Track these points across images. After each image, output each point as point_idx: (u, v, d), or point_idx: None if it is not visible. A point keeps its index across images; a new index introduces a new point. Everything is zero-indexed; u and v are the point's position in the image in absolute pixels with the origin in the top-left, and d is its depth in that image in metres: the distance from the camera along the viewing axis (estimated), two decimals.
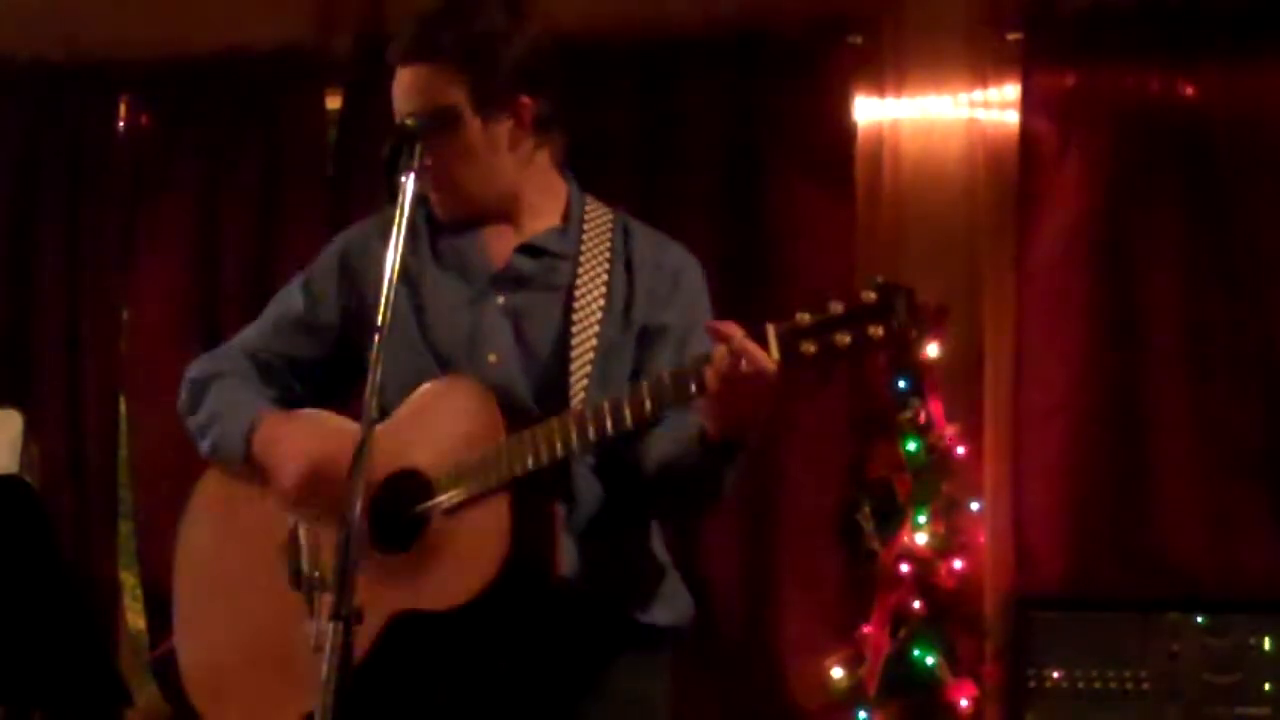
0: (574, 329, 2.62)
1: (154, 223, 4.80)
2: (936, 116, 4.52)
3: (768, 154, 4.53)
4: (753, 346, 2.30)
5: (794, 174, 4.51)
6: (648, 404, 2.42)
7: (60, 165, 4.82)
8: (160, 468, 4.67)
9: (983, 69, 4.49)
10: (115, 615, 4.78)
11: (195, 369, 2.81)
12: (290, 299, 2.79)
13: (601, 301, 2.64)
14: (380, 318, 2.28)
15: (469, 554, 2.49)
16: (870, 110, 4.54)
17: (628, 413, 2.43)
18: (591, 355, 2.61)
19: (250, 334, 2.82)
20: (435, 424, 2.57)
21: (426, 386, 2.60)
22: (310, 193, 4.70)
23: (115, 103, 4.85)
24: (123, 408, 4.81)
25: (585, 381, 2.60)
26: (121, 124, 4.86)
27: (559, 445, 2.46)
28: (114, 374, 4.81)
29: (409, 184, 2.35)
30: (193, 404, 2.78)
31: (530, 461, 2.47)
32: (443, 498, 2.52)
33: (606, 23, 4.49)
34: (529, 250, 2.67)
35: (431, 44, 2.60)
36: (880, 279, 2.32)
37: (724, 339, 2.32)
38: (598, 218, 2.74)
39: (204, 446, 2.76)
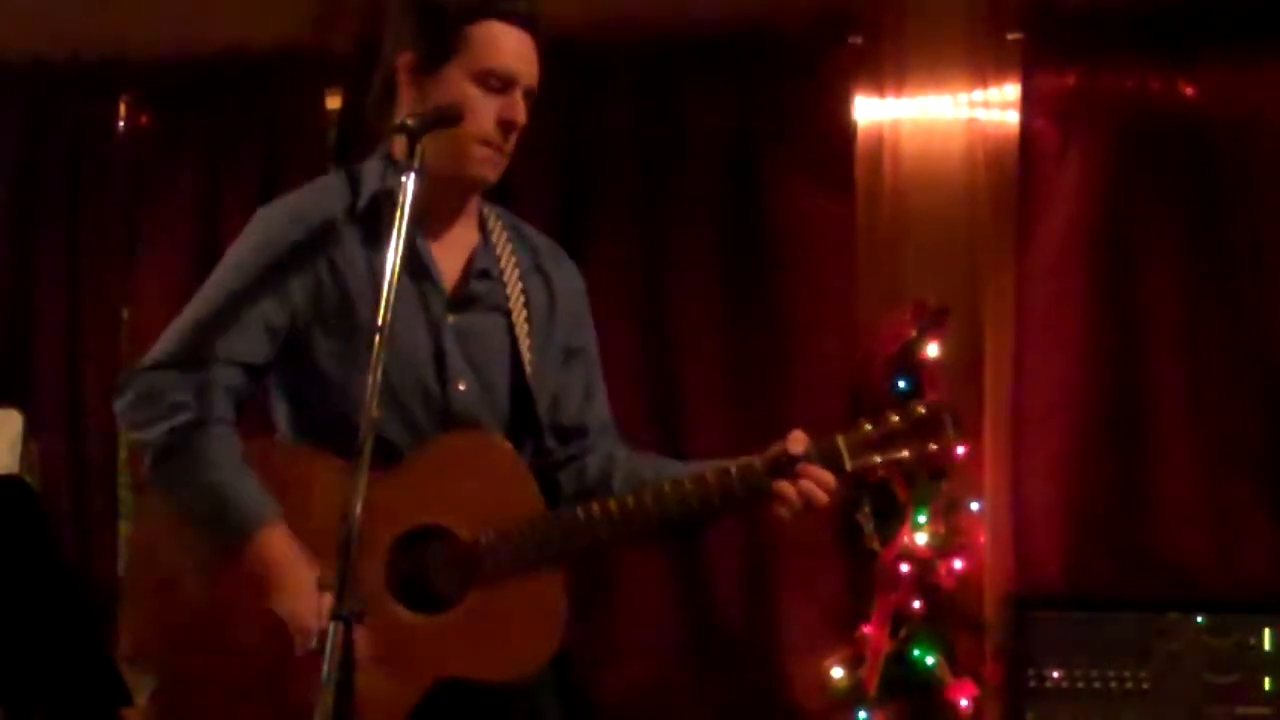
0: (522, 353, 2.64)
1: (154, 223, 4.80)
2: (936, 116, 4.52)
3: (768, 154, 4.53)
4: (821, 475, 2.52)
5: (794, 174, 4.52)
6: (718, 502, 2.54)
7: (60, 165, 4.81)
8: None
9: (983, 69, 4.49)
10: (115, 615, 4.76)
11: (160, 425, 2.57)
12: (239, 300, 2.61)
13: (527, 326, 2.66)
14: (380, 318, 2.24)
15: (530, 627, 2.51)
16: (870, 110, 4.54)
17: (696, 508, 2.53)
18: (540, 381, 2.65)
19: (203, 342, 2.61)
20: (463, 482, 2.54)
21: (445, 438, 2.57)
22: None
23: (115, 103, 4.84)
24: None
25: (545, 409, 2.66)
26: (121, 124, 4.86)
27: (621, 529, 2.52)
28: (114, 374, 4.79)
29: (409, 184, 2.33)
30: (167, 475, 2.59)
31: (590, 543, 2.52)
32: (495, 566, 2.51)
33: (607, 23, 4.49)
34: (482, 274, 2.66)
35: (537, 18, 2.61)
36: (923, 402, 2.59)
37: (796, 464, 2.52)
38: (494, 222, 2.73)
39: (181, 510, 2.60)
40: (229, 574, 2.55)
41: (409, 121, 2.39)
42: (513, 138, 2.60)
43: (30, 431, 4.20)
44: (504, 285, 2.67)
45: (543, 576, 2.52)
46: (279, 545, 2.52)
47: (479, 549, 2.51)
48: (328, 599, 2.27)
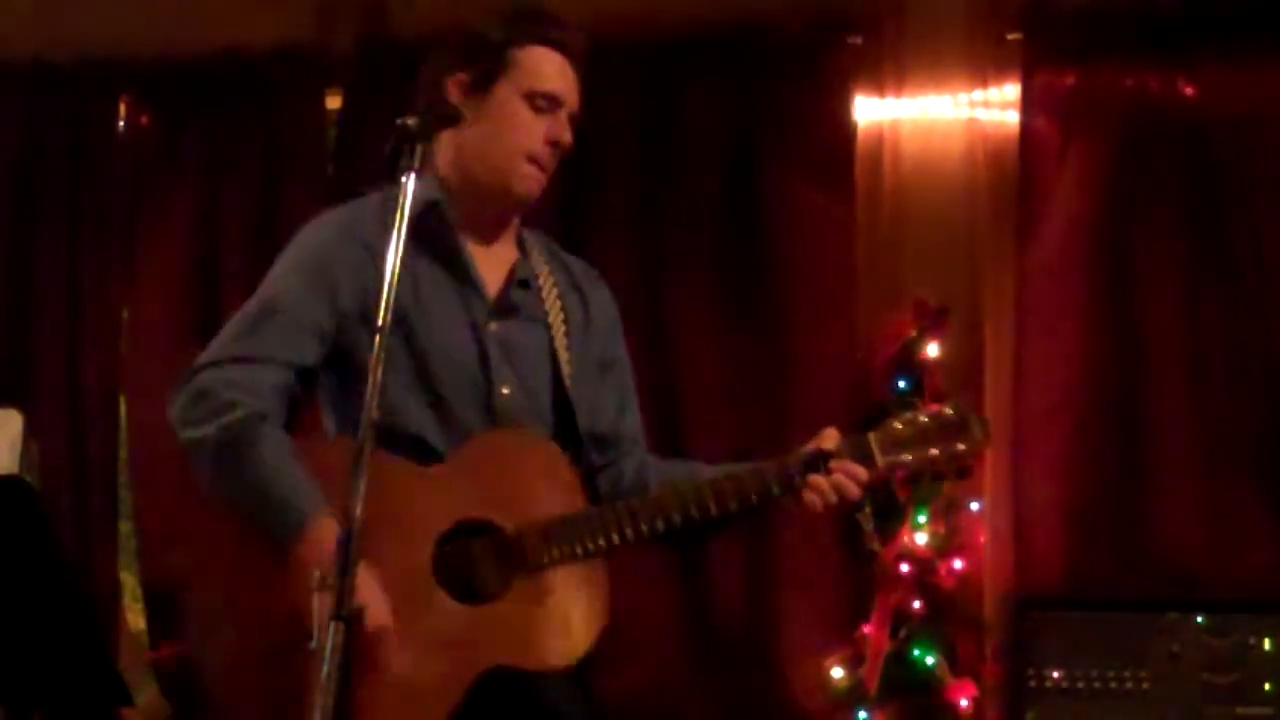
0: (561, 364, 2.74)
1: (154, 223, 4.80)
2: (936, 116, 4.53)
3: (768, 154, 4.53)
4: (853, 469, 2.64)
5: (794, 174, 4.52)
6: (754, 498, 2.63)
7: (60, 165, 4.81)
8: (160, 468, 4.67)
9: (983, 69, 4.49)
10: (115, 615, 4.77)
11: (211, 424, 2.61)
12: (291, 303, 2.69)
13: (565, 340, 2.77)
14: (380, 318, 2.27)
15: (575, 617, 2.59)
16: (870, 110, 4.54)
17: (733, 503, 2.63)
18: (578, 389, 2.75)
19: (254, 342, 2.67)
20: (509, 477, 2.62)
21: (491, 435, 2.65)
22: (310, 193, 4.68)
23: (115, 103, 4.85)
24: (123, 408, 4.80)
25: (583, 417, 2.75)
26: (121, 124, 4.86)
27: (660, 523, 2.61)
28: (114, 374, 4.80)
29: (409, 184, 2.34)
30: (218, 471, 2.62)
31: (631, 535, 2.60)
32: (539, 558, 2.58)
33: (606, 23, 4.48)
34: (523, 284, 2.77)
35: (579, 46, 2.76)
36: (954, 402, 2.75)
37: (830, 460, 2.63)
38: (532, 243, 2.86)
39: (232, 505, 2.62)
40: (278, 566, 2.55)
41: (409, 122, 2.40)
42: (556, 157, 2.74)
43: (30, 431, 4.19)
44: (543, 299, 2.78)
45: (585, 568, 2.59)
46: (329, 538, 2.50)
47: (523, 542, 2.58)
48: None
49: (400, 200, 2.33)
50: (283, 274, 2.74)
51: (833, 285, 4.48)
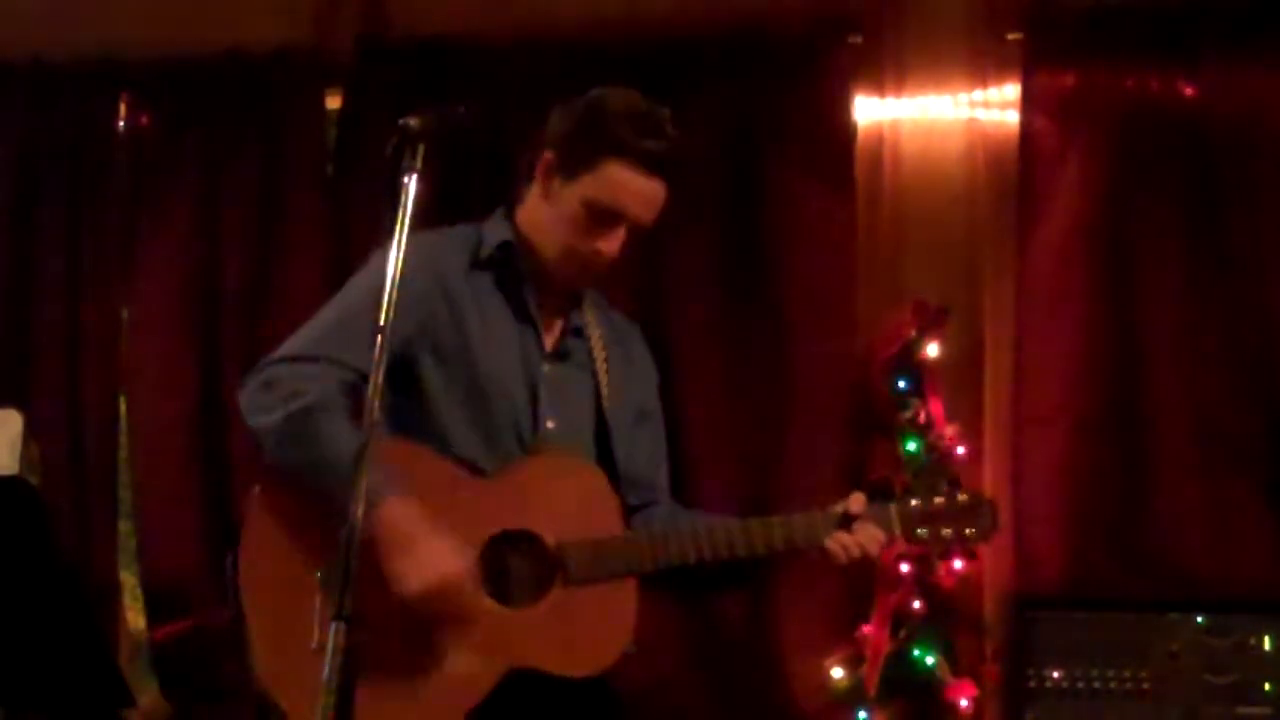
0: (604, 405, 2.93)
1: (154, 223, 4.79)
2: (936, 116, 4.52)
3: (768, 154, 4.53)
4: (875, 532, 2.90)
5: (794, 174, 4.51)
6: (778, 543, 2.90)
7: (60, 165, 4.81)
8: (160, 468, 4.67)
9: (983, 69, 4.49)
10: (115, 615, 4.77)
11: (278, 411, 2.74)
12: (356, 312, 2.78)
13: (608, 389, 2.95)
14: (382, 318, 2.31)
15: (603, 630, 2.80)
16: (870, 110, 4.54)
17: (761, 545, 2.89)
18: (618, 430, 2.94)
19: (326, 345, 2.81)
20: (556, 497, 2.79)
21: (543, 456, 2.82)
22: (310, 193, 4.69)
23: (115, 103, 4.84)
24: (123, 408, 4.80)
25: (622, 457, 2.94)
26: (121, 124, 4.85)
27: (692, 555, 2.82)
28: (114, 374, 4.80)
29: (411, 185, 2.36)
30: (287, 455, 2.75)
31: (663, 563, 2.81)
32: (577, 573, 2.77)
33: (606, 23, 4.49)
34: (576, 331, 2.96)
35: (673, 162, 2.89)
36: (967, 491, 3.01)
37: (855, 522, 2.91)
38: (585, 297, 3.02)
39: (312, 482, 2.72)
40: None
41: (410, 122, 2.42)
42: (603, 264, 2.89)
43: (30, 431, 4.19)
44: (591, 347, 2.96)
45: (616, 586, 2.80)
46: (411, 512, 2.68)
47: (563, 557, 2.77)
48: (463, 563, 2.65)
49: (401, 200, 2.35)
50: (353, 287, 2.88)
51: (833, 285, 4.48)
